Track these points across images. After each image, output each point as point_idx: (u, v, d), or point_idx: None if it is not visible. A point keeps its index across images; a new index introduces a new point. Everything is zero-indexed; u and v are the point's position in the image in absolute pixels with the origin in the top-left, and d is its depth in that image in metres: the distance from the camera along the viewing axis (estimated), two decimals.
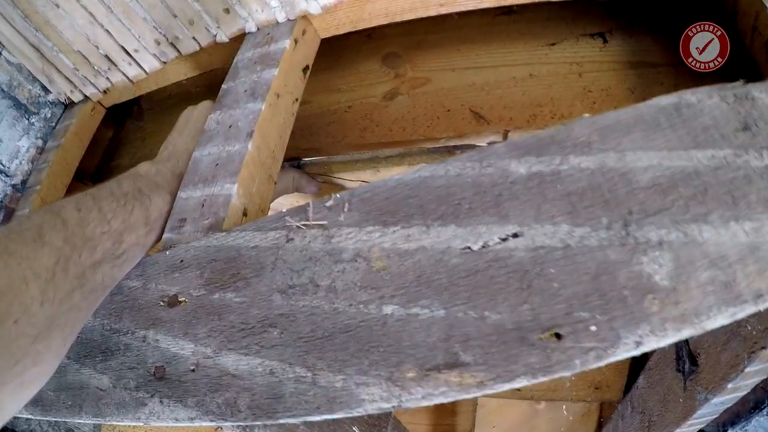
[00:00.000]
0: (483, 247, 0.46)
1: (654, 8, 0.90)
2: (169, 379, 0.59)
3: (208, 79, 1.05)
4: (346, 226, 0.51)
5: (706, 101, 0.53)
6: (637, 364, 1.24)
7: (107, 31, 0.96)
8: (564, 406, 1.52)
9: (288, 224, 0.54)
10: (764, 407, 1.01)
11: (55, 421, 1.19)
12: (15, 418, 1.13)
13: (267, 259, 0.54)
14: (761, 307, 0.44)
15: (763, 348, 0.78)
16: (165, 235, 0.66)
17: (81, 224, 0.59)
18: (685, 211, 0.46)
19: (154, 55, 0.96)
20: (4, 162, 1.12)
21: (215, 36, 0.88)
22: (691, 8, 0.84)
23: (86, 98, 1.11)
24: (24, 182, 1.12)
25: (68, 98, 1.13)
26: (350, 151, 0.89)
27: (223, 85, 0.78)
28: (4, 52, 1.11)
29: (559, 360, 0.43)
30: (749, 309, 0.43)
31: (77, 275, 0.57)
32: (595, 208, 0.46)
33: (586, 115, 0.53)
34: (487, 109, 0.83)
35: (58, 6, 0.96)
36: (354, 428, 0.89)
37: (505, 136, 0.81)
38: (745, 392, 0.90)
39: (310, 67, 0.81)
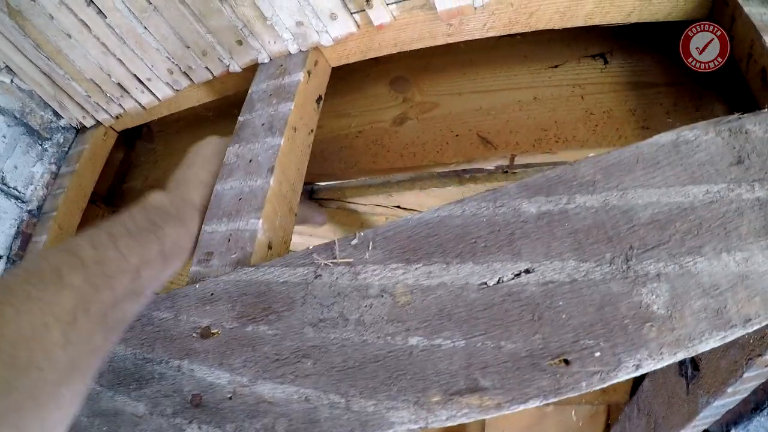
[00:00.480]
0: (498, 282, 0.53)
1: (654, 27, 0.96)
2: (206, 407, 0.65)
3: (218, 101, 1.11)
4: (372, 263, 0.58)
5: (702, 137, 0.60)
6: None
7: (120, 60, 1.02)
8: (572, 410, 1.60)
9: (316, 261, 0.60)
10: (765, 408, 1.08)
11: None
12: None
13: (297, 294, 0.61)
14: (749, 330, 0.51)
15: (760, 355, 0.85)
16: (192, 269, 0.73)
17: (100, 263, 0.60)
18: (681, 244, 0.53)
19: (167, 83, 1.02)
20: (19, 188, 1.19)
21: (228, 66, 0.94)
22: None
23: (98, 123, 1.17)
24: (39, 208, 1.18)
25: (80, 123, 1.19)
26: (362, 176, 0.96)
27: (239, 117, 0.84)
28: (15, 80, 1.17)
29: (568, 383, 0.50)
30: (738, 332, 0.50)
31: (98, 315, 0.58)
32: (599, 245, 0.53)
33: (591, 154, 0.59)
34: (494, 133, 0.90)
35: (70, 36, 1.02)
36: None
37: (511, 161, 0.87)
38: (745, 395, 0.97)
39: (323, 97, 0.87)
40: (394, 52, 0.88)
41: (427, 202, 0.97)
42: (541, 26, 0.85)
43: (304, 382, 0.58)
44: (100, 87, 1.09)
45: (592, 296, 0.52)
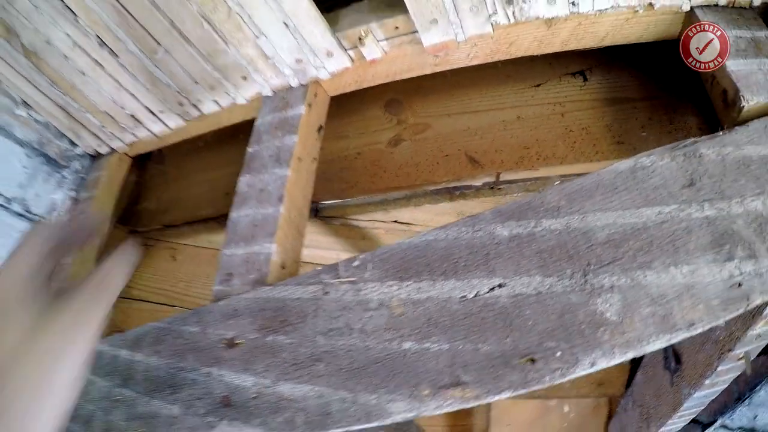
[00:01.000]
0: (476, 296, 0.67)
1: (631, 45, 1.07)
2: (234, 405, 0.80)
3: (222, 128, 1.25)
4: (371, 281, 0.72)
5: (658, 162, 0.73)
6: (638, 360, 1.46)
7: (133, 95, 1.16)
8: (574, 403, 1.74)
9: (324, 280, 0.75)
10: (746, 398, 1.22)
11: None
12: None
13: (309, 309, 0.75)
14: (693, 333, 0.64)
15: (731, 350, 0.99)
16: (216, 288, 0.88)
17: None
18: (633, 260, 0.67)
19: (178, 114, 1.17)
20: (42, 215, 1.33)
21: (234, 99, 1.09)
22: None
23: (113, 150, 1.32)
24: None
25: (95, 151, 1.33)
26: (362, 195, 1.10)
27: (248, 149, 0.99)
28: (31, 112, 1.32)
29: (534, 378, 0.64)
30: (683, 335, 0.64)
31: None
32: (561, 262, 0.67)
33: (557, 182, 0.73)
34: (481, 153, 1.03)
35: (84, 74, 1.15)
36: (381, 431, 1.12)
37: (497, 178, 1.01)
38: (723, 387, 1.11)
39: (323, 126, 1.02)
40: (386, 81, 1.02)
41: (422, 216, 1.11)
42: (520, 54, 0.99)
43: (318, 382, 0.72)
44: (114, 118, 1.23)
45: (555, 306, 0.66)
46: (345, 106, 1.19)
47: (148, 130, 1.22)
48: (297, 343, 0.75)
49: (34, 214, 1.33)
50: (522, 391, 0.65)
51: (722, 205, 0.67)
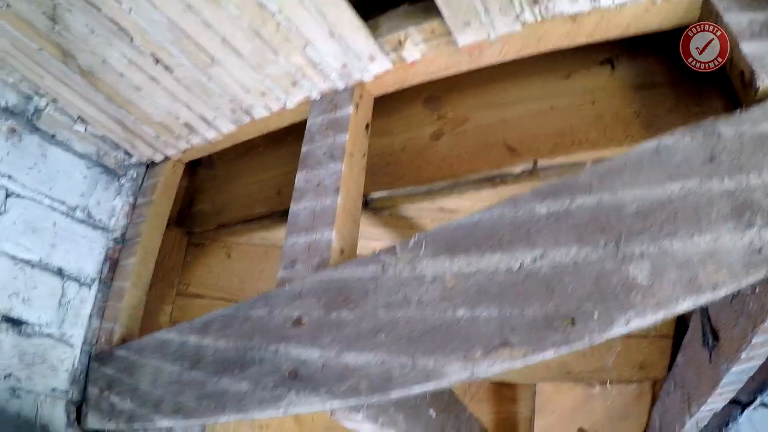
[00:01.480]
0: (520, 267, 0.79)
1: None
2: (302, 378, 0.92)
3: (270, 132, 1.38)
4: (425, 258, 0.84)
5: (680, 141, 0.83)
6: (678, 343, 1.54)
7: (187, 105, 1.29)
8: (618, 390, 1.82)
9: (383, 260, 0.87)
10: None
11: (168, 429, 1.56)
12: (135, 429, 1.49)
13: (369, 286, 0.87)
14: (718, 295, 0.73)
15: (763, 321, 1.07)
16: (280, 274, 1.00)
17: None
18: (660, 230, 0.77)
19: (230, 120, 1.30)
20: (104, 220, 1.49)
21: (284, 104, 1.22)
22: None
23: (167, 158, 1.46)
24: (123, 235, 1.49)
25: (150, 159, 1.48)
26: (408, 186, 1.22)
27: (302, 148, 1.12)
28: (88, 128, 1.47)
29: (574, 337, 0.74)
30: (708, 297, 0.73)
31: None
32: (595, 234, 0.78)
33: (589, 163, 0.84)
34: (518, 141, 1.15)
35: (139, 89, 1.27)
36: (430, 410, 1.24)
37: (534, 165, 1.12)
38: (759, 362, 1.18)
39: (370, 124, 1.14)
40: (425, 80, 1.14)
41: (466, 204, 1.22)
42: (549, 47, 1.09)
43: (380, 350, 0.84)
44: (168, 128, 1.37)
45: (590, 273, 0.76)
46: (387, 105, 1.31)
47: (202, 136, 1.36)
48: (359, 317, 0.87)
49: (96, 219, 1.49)
50: (564, 350, 0.75)
51: (741, 178, 0.75)
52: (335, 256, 0.96)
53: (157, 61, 1.21)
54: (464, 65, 1.12)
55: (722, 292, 0.74)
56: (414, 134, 1.28)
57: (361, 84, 1.15)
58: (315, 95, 1.18)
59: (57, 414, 1.37)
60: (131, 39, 1.16)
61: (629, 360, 1.61)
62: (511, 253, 0.80)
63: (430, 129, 1.26)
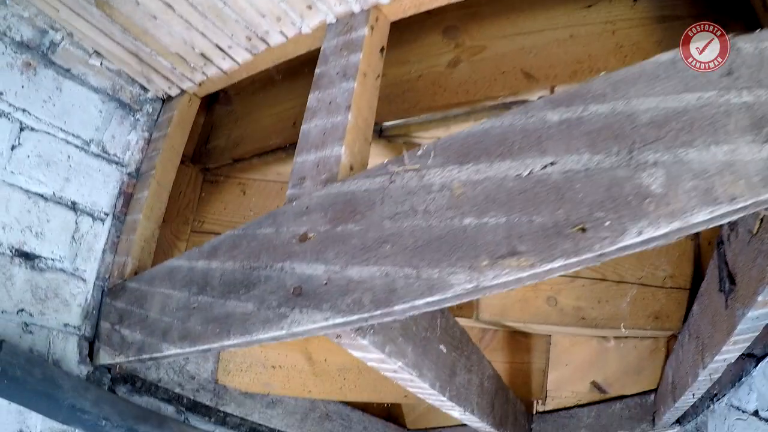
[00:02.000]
0: (529, 173, 0.77)
1: None
2: (306, 294, 0.91)
3: (286, 63, 1.37)
4: (433, 167, 0.82)
5: None
6: (694, 294, 1.51)
7: (202, 33, 1.28)
8: (632, 343, 1.81)
9: (390, 170, 0.86)
10: None
11: (179, 369, 1.58)
12: (146, 368, 1.51)
13: (376, 197, 0.86)
14: (735, 207, 0.71)
15: None
16: (289, 192, 1.00)
17: None
18: (675, 139, 0.74)
19: (246, 48, 1.29)
20: (118, 155, 1.50)
21: (300, 29, 1.20)
22: None
23: (183, 92, 1.46)
24: (137, 170, 1.49)
25: (166, 94, 1.48)
26: (424, 113, 1.20)
27: (316, 70, 1.10)
28: (104, 62, 1.47)
29: (585, 246, 0.72)
30: (725, 209, 0.70)
31: None
32: (607, 141, 0.76)
33: (603, 73, 0.82)
34: (536, 69, 1.12)
35: (155, 18, 1.27)
36: (441, 346, 1.23)
37: (551, 91, 1.10)
38: None
39: (385, 47, 1.12)
40: (444, 4, 1.12)
41: None
42: None
43: (384, 262, 0.83)
44: (184, 59, 1.36)
45: (603, 180, 0.74)
46: (406, 34, 1.29)
47: (218, 67, 1.35)
48: (365, 229, 0.86)
49: (111, 154, 1.50)
50: (574, 259, 0.73)
51: (760, 92, 0.72)
52: (344, 172, 0.95)
53: None
54: None
55: (739, 204, 0.71)
56: (431, 63, 1.26)
57: (377, 7, 1.12)
58: (331, 19, 1.16)
59: (69, 349, 1.39)
60: None
61: (644, 309, 1.59)
62: (520, 161, 0.78)
63: (447, 57, 1.24)
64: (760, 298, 1.16)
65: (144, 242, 1.44)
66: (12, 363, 1.17)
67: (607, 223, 0.73)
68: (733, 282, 1.23)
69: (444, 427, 2.12)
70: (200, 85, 1.43)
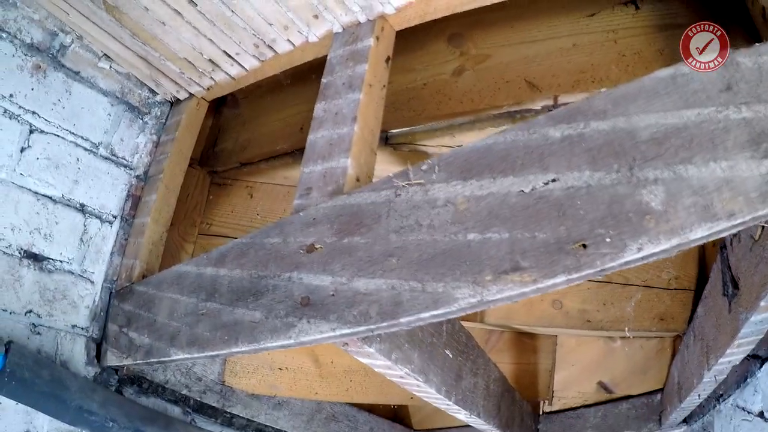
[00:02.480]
0: (532, 190, 0.79)
1: None
2: (313, 305, 0.94)
3: (294, 69, 1.40)
4: (438, 182, 0.85)
5: None
6: (699, 296, 1.54)
7: (211, 40, 1.30)
8: (638, 344, 1.83)
9: (395, 184, 0.89)
10: None
11: (186, 370, 1.62)
12: (153, 369, 1.55)
13: (382, 210, 0.89)
14: (733, 223, 0.73)
15: None
16: (296, 202, 1.03)
17: None
18: (675, 155, 0.76)
19: (254, 55, 1.31)
20: (127, 158, 1.53)
21: (307, 37, 1.22)
22: None
23: (191, 95, 1.49)
24: (146, 173, 1.53)
25: (174, 97, 1.51)
26: (429, 121, 1.23)
27: (323, 79, 1.12)
28: (113, 65, 1.50)
29: (586, 262, 0.75)
30: (723, 225, 0.72)
31: None
32: (608, 158, 0.78)
33: (603, 89, 0.84)
34: (539, 78, 1.14)
35: (164, 24, 1.29)
36: (447, 351, 1.26)
37: (555, 101, 1.12)
38: None
39: (391, 57, 1.15)
40: (448, 14, 1.13)
41: None
42: None
43: (390, 275, 0.86)
44: (193, 64, 1.39)
45: (603, 197, 0.76)
46: (411, 41, 1.31)
47: (225, 73, 1.38)
48: (371, 242, 0.89)
49: (119, 157, 1.53)
50: (576, 275, 0.75)
51: (759, 107, 0.74)
52: (350, 183, 0.97)
53: None
54: None
55: (737, 220, 0.72)
56: (436, 71, 1.29)
57: (383, 17, 1.15)
58: (337, 28, 1.19)
59: (77, 351, 1.43)
60: None
61: (649, 311, 1.62)
62: (523, 177, 0.80)
63: (452, 65, 1.27)
64: (762, 303, 1.18)
65: (152, 245, 1.47)
66: (20, 364, 1.20)
67: (608, 240, 0.75)
68: (736, 286, 1.25)
69: (450, 428, 2.16)
70: (208, 89, 1.46)
